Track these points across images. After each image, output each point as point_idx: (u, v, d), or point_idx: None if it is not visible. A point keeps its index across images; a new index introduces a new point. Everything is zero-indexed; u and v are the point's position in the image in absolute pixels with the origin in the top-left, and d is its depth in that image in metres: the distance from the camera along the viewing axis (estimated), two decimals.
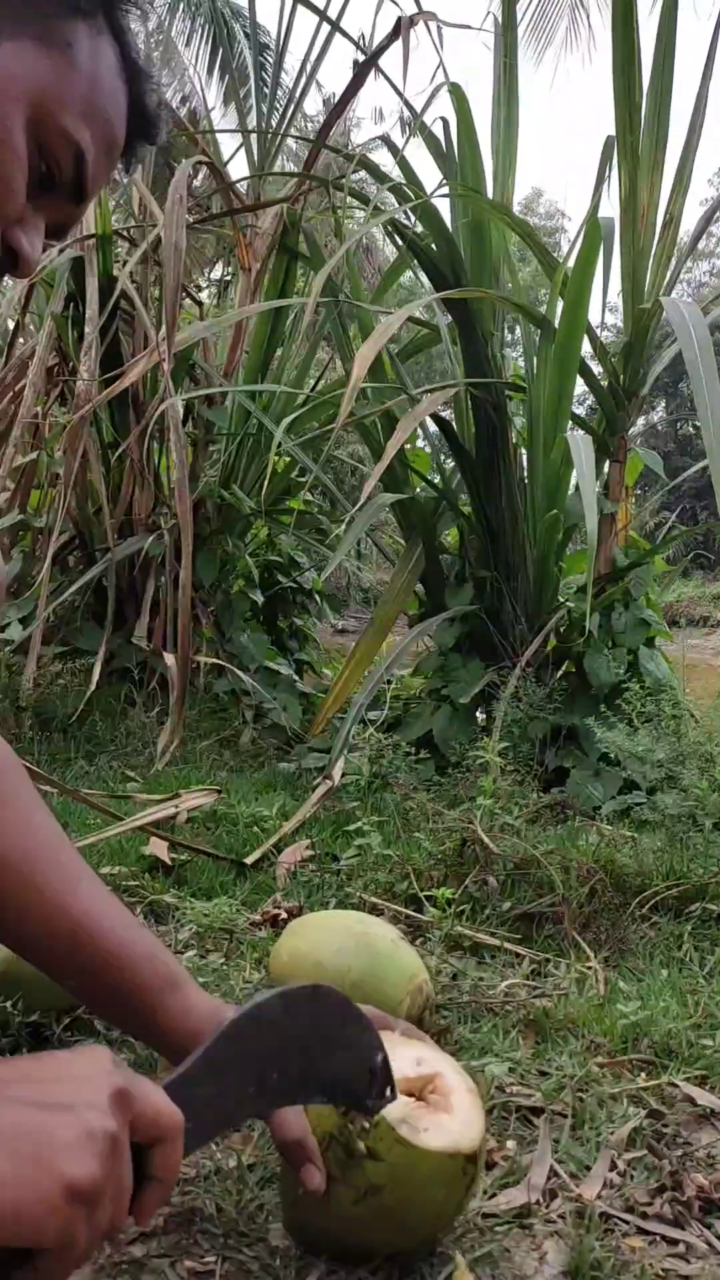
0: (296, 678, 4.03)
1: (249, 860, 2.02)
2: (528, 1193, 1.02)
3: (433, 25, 3.50)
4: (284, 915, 1.74)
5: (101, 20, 0.74)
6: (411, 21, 3.36)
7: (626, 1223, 1.00)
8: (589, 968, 1.60)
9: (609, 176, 3.38)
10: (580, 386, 3.28)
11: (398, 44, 3.43)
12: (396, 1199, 0.86)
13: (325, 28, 4.00)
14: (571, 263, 3.03)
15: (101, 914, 0.91)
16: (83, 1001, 0.73)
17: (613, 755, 2.50)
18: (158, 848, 2.01)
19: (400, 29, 3.37)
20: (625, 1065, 1.30)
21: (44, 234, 0.76)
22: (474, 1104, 0.92)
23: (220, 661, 3.57)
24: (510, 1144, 1.12)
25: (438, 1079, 0.93)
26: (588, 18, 9.77)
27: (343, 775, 2.50)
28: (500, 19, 3.46)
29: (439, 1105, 0.91)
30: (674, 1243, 0.98)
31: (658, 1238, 0.99)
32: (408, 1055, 0.94)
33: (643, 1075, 1.28)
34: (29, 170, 0.71)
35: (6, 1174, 0.58)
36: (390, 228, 3.58)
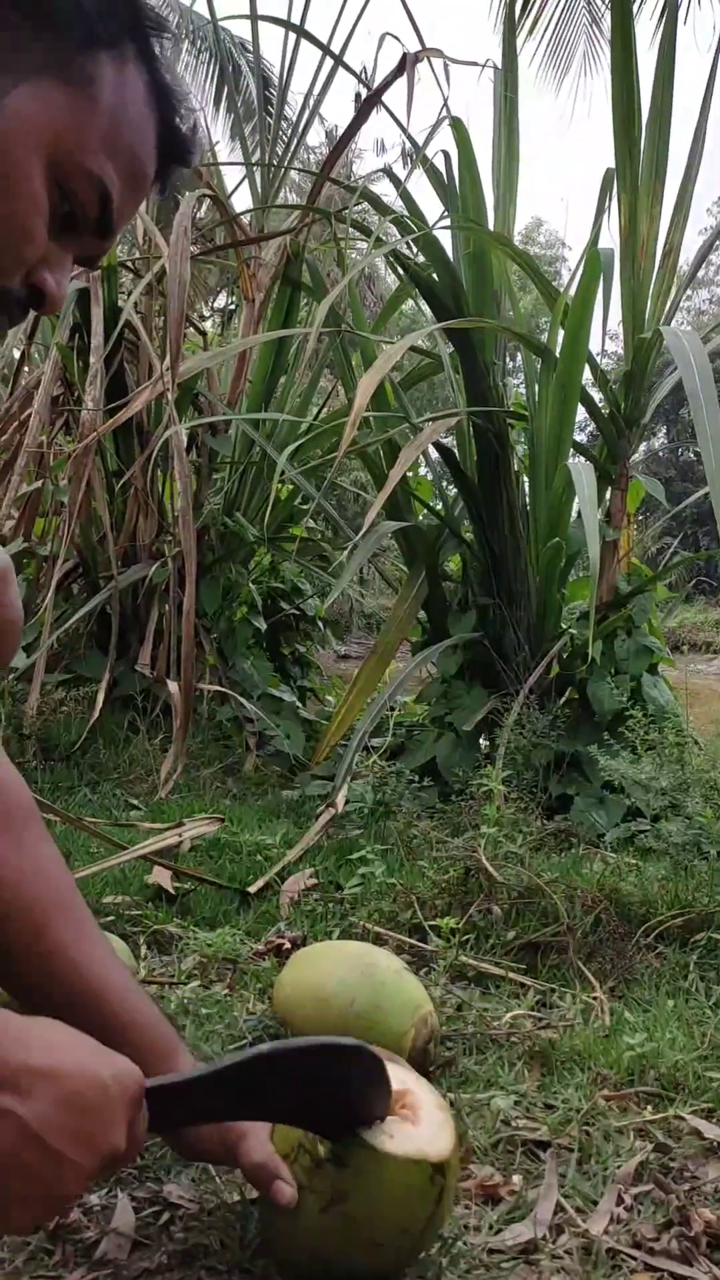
0: (299, 705, 4.03)
1: (252, 889, 2.01)
2: (534, 1228, 1.02)
3: (436, 61, 3.54)
4: (288, 945, 1.73)
5: (128, 47, 0.71)
6: (416, 58, 3.39)
7: (634, 1259, 0.99)
8: (594, 998, 1.59)
9: (609, 207, 3.41)
10: (581, 414, 3.30)
11: (400, 78, 3.47)
12: (362, 1208, 0.86)
13: (328, 61, 4.06)
14: (572, 293, 3.06)
15: (110, 976, 0.93)
16: None
17: (616, 783, 2.49)
18: (161, 876, 2.00)
19: (405, 65, 3.41)
20: (632, 1098, 1.29)
21: (71, 268, 0.75)
22: (444, 1120, 0.93)
23: (223, 689, 3.57)
24: (516, 1178, 1.11)
25: (407, 1095, 0.93)
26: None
27: (346, 803, 2.50)
28: (500, 55, 3.51)
29: (407, 1118, 0.91)
30: (681, 1279, 0.97)
31: (665, 1274, 0.98)
32: None
33: (649, 1108, 1.27)
34: (51, 212, 0.70)
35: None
36: (392, 258, 3.61)
